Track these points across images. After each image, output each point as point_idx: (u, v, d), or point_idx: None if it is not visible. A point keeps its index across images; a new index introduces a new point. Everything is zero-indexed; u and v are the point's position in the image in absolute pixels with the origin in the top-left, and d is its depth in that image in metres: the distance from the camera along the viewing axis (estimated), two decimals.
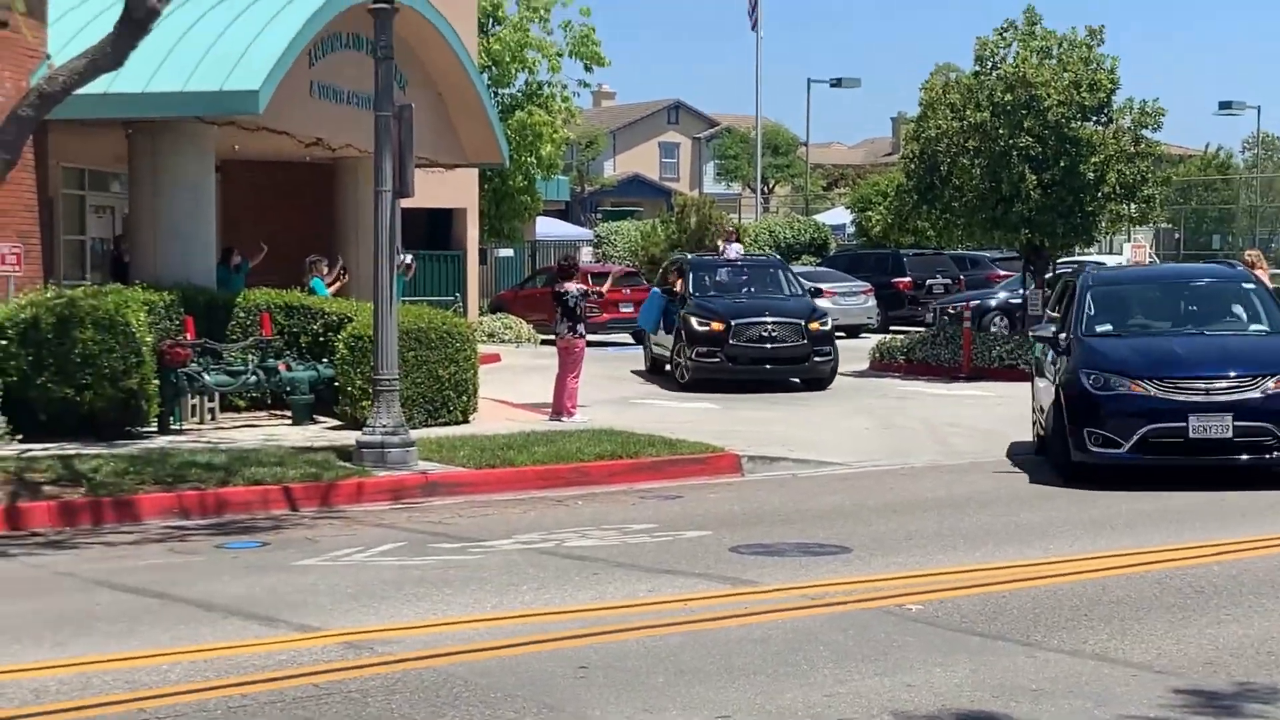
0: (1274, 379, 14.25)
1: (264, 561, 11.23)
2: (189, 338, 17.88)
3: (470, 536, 12.15)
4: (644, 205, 71.79)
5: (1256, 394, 14.16)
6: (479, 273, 37.73)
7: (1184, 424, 14.04)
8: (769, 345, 24.34)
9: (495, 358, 28.52)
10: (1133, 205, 27.54)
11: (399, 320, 16.09)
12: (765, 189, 72.92)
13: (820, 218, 57.71)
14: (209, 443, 16.30)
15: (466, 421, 18.58)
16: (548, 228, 52.66)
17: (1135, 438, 14.10)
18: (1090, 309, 15.74)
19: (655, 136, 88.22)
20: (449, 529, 12.61)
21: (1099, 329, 15.52)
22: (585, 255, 45.87)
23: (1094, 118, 26.92)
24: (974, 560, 10.96)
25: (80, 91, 13.89)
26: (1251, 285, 16.20)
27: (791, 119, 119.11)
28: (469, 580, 10.31)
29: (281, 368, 18.45)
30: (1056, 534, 12.03)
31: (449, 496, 14.29)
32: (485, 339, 31.74)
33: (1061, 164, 26.14)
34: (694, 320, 24.52)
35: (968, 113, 26.73)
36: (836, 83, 61.27)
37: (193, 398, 18.10)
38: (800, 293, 26.91)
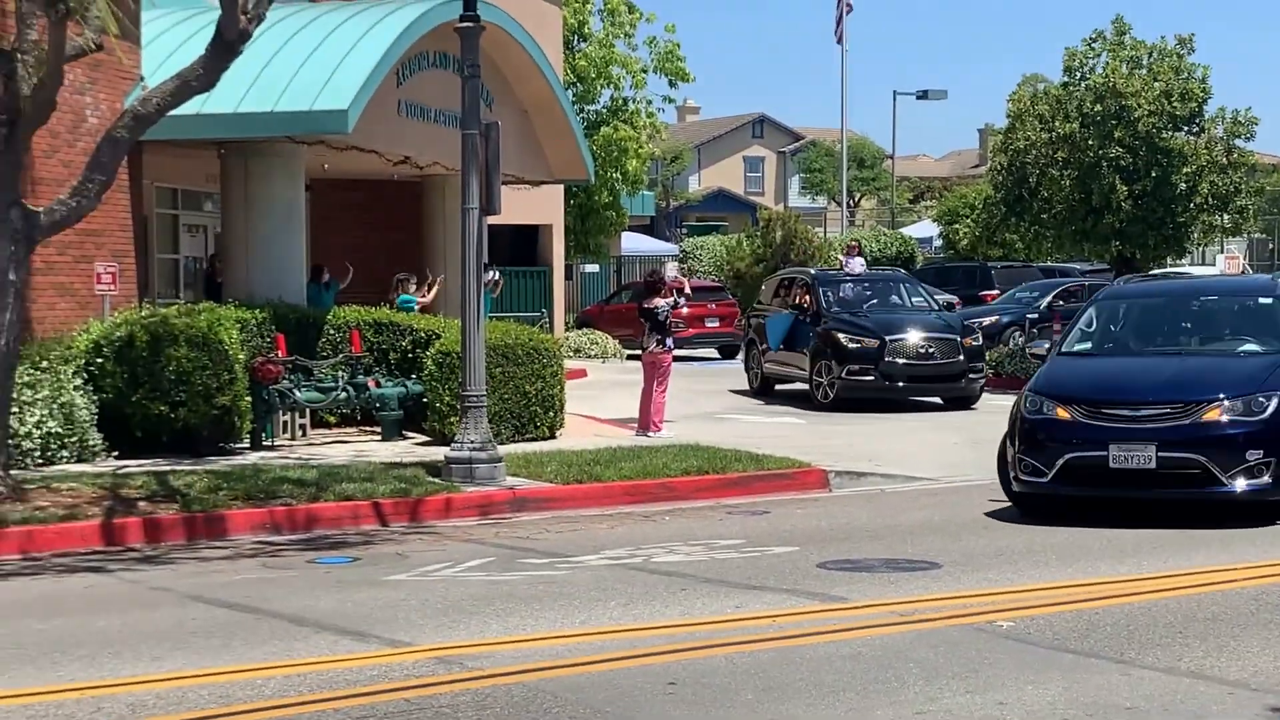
0: (1214, 405, 12.84)
1: (355, 577, 11.33)
2: (280, 355, 18.08)
3: (558, 552, 12.19)
4: (729, 220, 71.80)
5: (1186, 421, 12.78)
6: (565, 288, 37.89)
7: (1104, 453, 12.82)
8: (926, 362, 23.41)
9: (582, 373, 28.61)
10: (1225, 216, 27.34)
11: (486, 336, 16.20)
12: (851, 202, 72.66)
13: (907, 231, 57.38)
14: (300, 459, 16.47)
15: (553, 437, 18.65)
16: (633, 243, 52.78)
17: (1057, 466, 13.01)
18: (1087, 324, 14.79)
19: (740, 151, 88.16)
20: (537, 544, 12.66)
21: (1077, 347, 14.54)
22: (671, 270, 45.88)
23: (1185, 128, 26.74)
24: (1065, 577, 10.85)
25: (173, 113, 14.11)
26: (1269, 300, 14.50)
27: (877, 131, 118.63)
28: (557, 595, 10.35)
29: (371, 384, 18.62)
30: (1149, 550, 11.89)
31: (536, 512, 14.34)
32: (571, 354, 31.86)
33: (1153, 175, 25.99)
34: (843, 336, 23.47)
35: (1056, 124, 26.61)
36: (923, 95, 60.92)
37: (284, 414, 18.31)
38: (938, 307, 25.80)
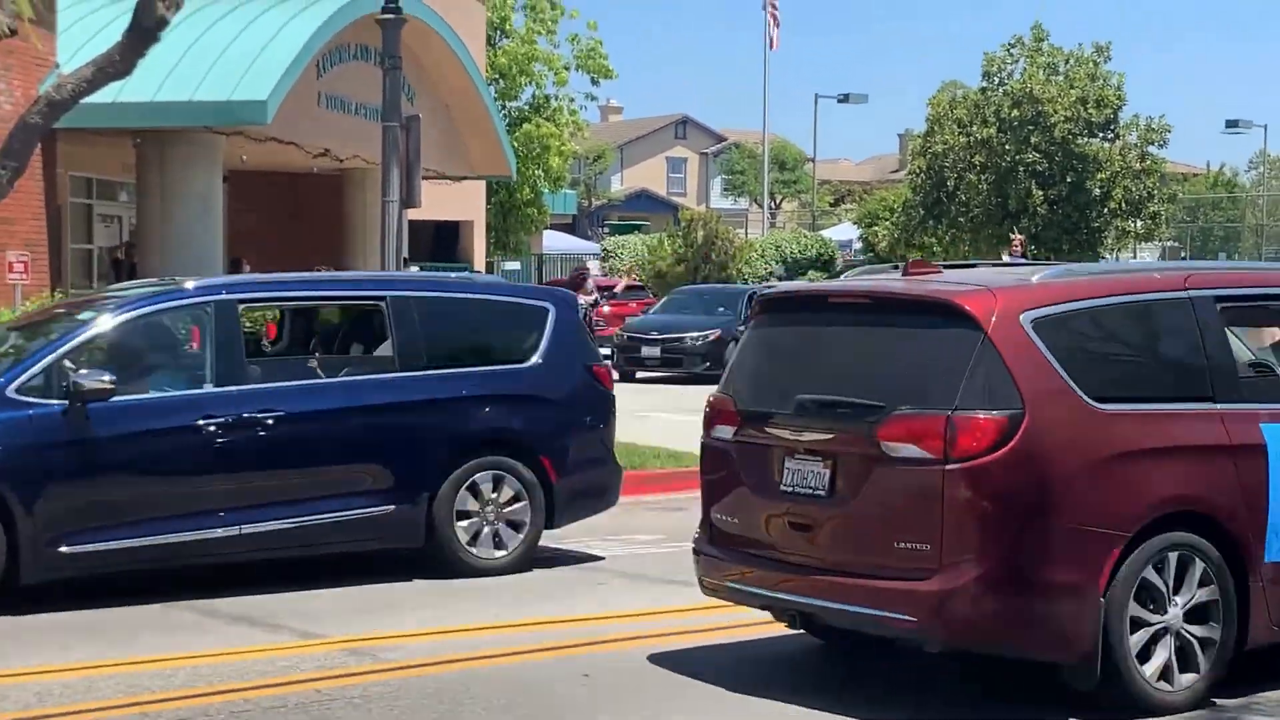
0: None
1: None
2: (194, 347, 17.87)
3: None
4: (650, 220, 71.87)
5: None
6: None
7: None
8: None
9: None
10: (1138, 222, 27.67)
11: None
12: (772, 204, 72.98)
13: (827, 233, 57.72)
14: None
15: None
16: (554, 241, 52.76)
17: None
18: None
19: (662, 151, 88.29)
20: None
21: None
22: (593, 268, 45.95)
23: (1100, 134, 27.06)
24: None
25: (89, 100, 13.93)
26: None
27: (798, 135, 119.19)
28: (474, 589, 10.31)
29: None
30: None
31: None
32: None
33: (1068, 180, 26.27)
34: None
35: (974, 128, 26.86)
36: (844, 98, 61.25)
37: None
38: None
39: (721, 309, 28.11)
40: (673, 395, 25.43)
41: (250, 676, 7.97)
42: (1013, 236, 26.28)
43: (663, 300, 29.04)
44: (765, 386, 7.94)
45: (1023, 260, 25.64)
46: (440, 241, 35.21)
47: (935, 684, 7.89)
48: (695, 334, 26.51)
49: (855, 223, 55.33)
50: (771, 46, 57.59)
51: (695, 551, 8.16)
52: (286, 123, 19.21)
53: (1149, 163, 27.10)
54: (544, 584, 10.49)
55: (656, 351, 26.96)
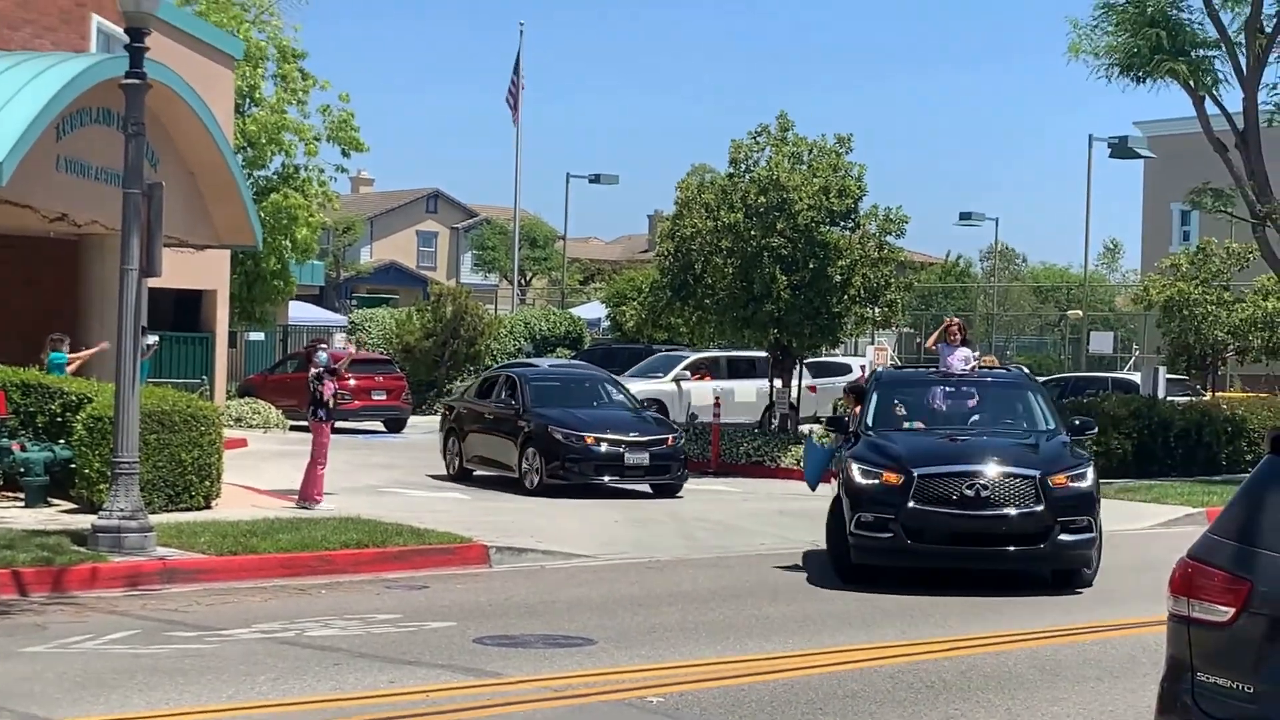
0: None
1: None
2: None
3: (208, 625, 11.86)
4: (400, 293, 71.51)
5: None
6: (228, 356, 36.99)
7: None
8: (978, 512, 14.69)
9: (242, 442, 27.95)
10: (876, 309, 28.49)
11: (141, 402, 15.71)
12: (522, 281, 73.25)
13: (576, 311, 58.12)
14: None
15: (209, 507, 18.16)
16: (301, 312, 52.04)
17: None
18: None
19: (413, 225, 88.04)
20: (186, 617, 12.29)
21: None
22: (339, 341, 45.43)
23: (842, 223, 27.80)
24: (715, 653, 11.11)
25: None
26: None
27: (550, 213, 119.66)
28: (204, 670, 10.06)
29: (15, 448, 17.80)
30: (797, 629, 12.27)
31: (188, 584, 13.93)
32: (232, 423, 31.10)
33: (810, 266, 26.91)
34: (856, 468, 15.20)
35: (721, 213, 27.39)
36: (595, 178, 61.95)
37: None
38: (1053, 424, 16.45)
39: (605, 399, 24.71)
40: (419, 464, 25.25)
41: None
42: (950, 321, 21.72)
43: (530, 386, 23.88)
44: None
45: (967, 345, 21.34)
46: (181, 311, 34.35)
47: None
48: (666, 436, 23.13)
49: (604, 302, 55.83)
50: (514, 107, 57.42)
51: None
52: (22, 185, 18.63)
53: (887, 251, 27.94)
54: (277, 664, 10.29)
55: (645, 458, 22.63)
